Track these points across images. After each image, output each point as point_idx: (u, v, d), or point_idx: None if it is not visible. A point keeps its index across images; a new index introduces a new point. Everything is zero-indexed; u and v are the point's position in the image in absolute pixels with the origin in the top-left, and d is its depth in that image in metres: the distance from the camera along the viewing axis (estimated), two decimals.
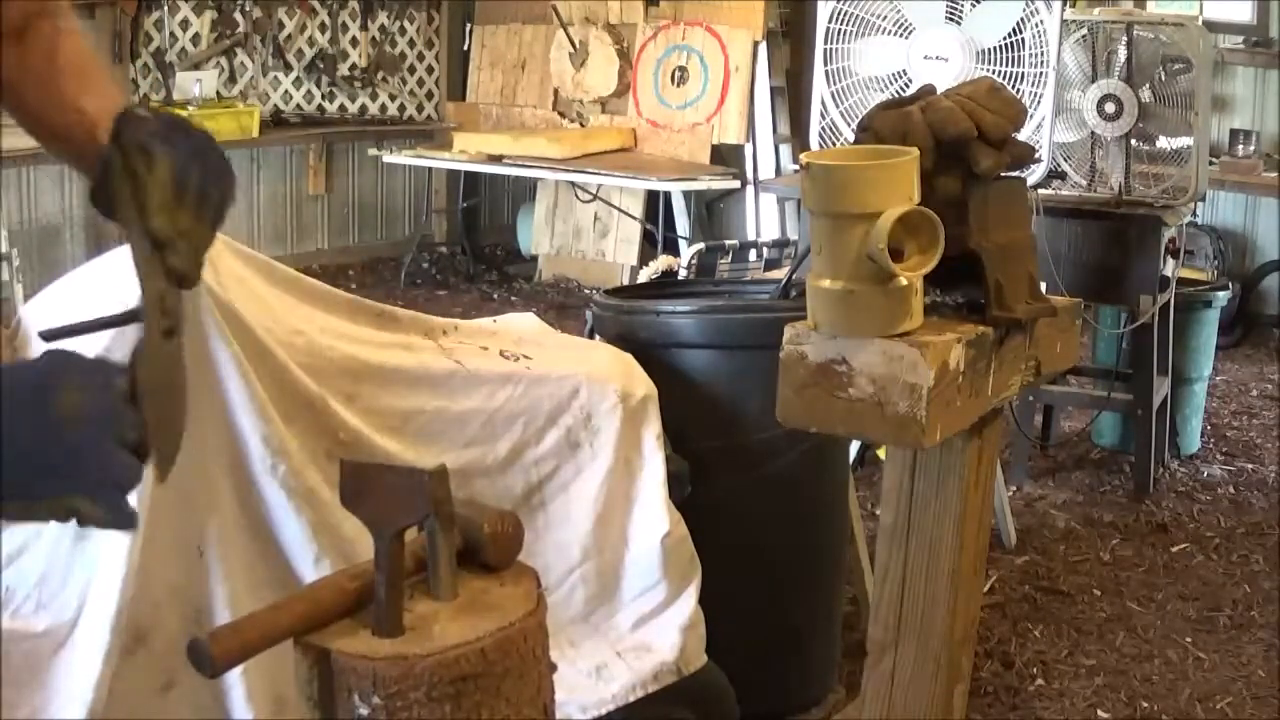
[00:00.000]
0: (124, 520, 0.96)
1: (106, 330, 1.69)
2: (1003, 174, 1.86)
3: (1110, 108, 3.82)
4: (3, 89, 1.29)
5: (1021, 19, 3.24)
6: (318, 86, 6.94)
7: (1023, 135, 2.12)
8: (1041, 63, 3.23)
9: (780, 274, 3.07)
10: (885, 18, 3.34)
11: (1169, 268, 3.84)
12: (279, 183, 6.88)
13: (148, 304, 1.06)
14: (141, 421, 0.98)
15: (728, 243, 3.73)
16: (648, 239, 6.57)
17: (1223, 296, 4.46)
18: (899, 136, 1.77)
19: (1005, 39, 3.25)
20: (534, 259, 6.99)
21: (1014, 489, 4.00)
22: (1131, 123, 3.82)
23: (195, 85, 6.20)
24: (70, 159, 1.30)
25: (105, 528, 0.96)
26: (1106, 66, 3.86)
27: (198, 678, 0.96)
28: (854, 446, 3.54)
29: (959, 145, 1.77)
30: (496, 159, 6.41)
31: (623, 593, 2.21)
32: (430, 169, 7.06)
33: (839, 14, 3.36)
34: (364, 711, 0.94)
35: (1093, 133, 3.88)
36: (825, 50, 3.38)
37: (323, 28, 6.93)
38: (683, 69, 6.57)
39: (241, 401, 1.78)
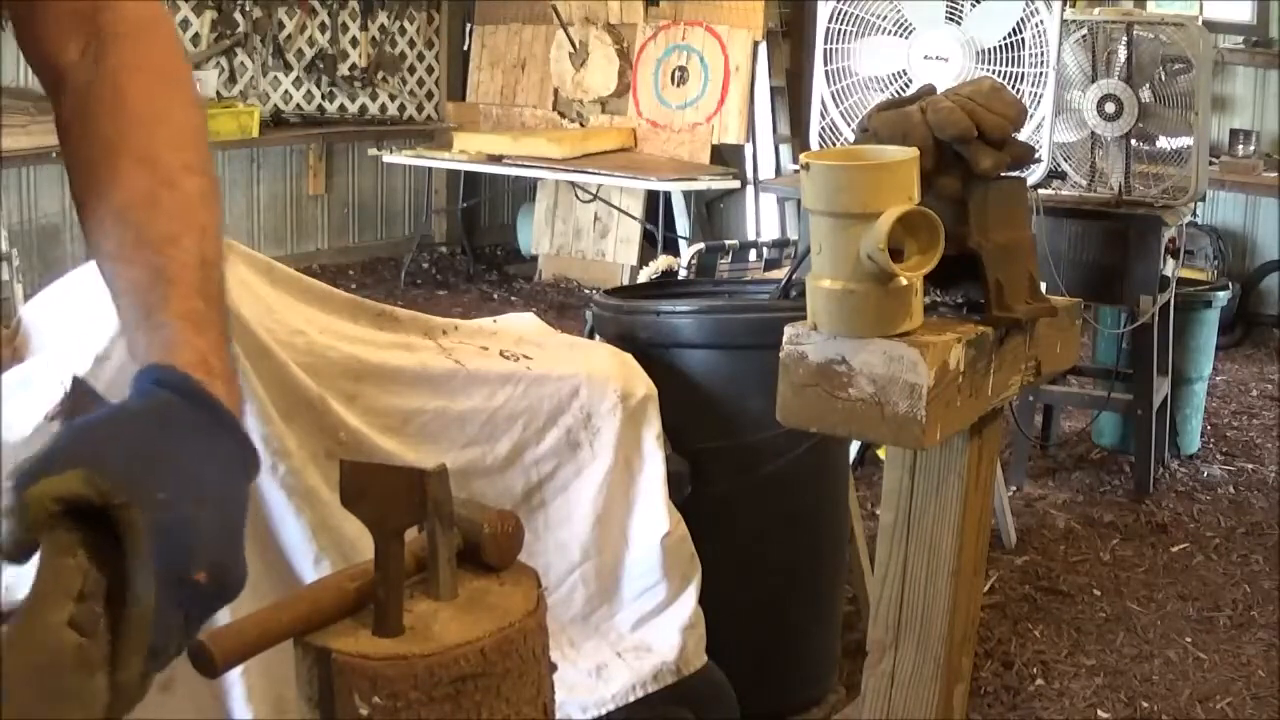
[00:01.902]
0: None
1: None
2: (1003, 174, 1.86)
3: (1110, 108, 3.82)
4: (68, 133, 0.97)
5: (1021, 19, 3.24)
6: (318, 86, 6.94)
7: (1023, 135, 2.12)
8: (1041, 63, 3.23)
9: (780, 274, 3.07)
10: (885, 18, 3.34)
11: (1169, 268, 3.84)
12: (279, 183, 6.89)
13: (42, 572, 0.74)
14: None
15: (728, 243, 3.72)
16: (648, 239, 6.58)
17: (1223, 296, 4.46)
18: (899, 136, 1.76)
19: (1005, 39, 3.25)
20: (534, 259, 6.99)
21: (1014, 489, 4.00)
22: (1131, 123, 3.82)
23: (195, 85, 6.20)
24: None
25: None
26: (1106, 66, 3.86)
27: (198, 677, 0.96)
28: (854, 446, 3.54)
29: (959, 145, 1.77)
30: (496, 159, 6.41)
31: (623, 593, 2.21)
32: (430, 169, 7.06)
33: (839, 14, 3.36)
34: (364, 711, 0.94)
35: (1093, 133, 3.88)
36: (825, 50, 3.38)
37: (323, 28, 6.93)
38: (683, 69, 6.57)
39: None
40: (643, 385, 2.24)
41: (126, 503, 0.74)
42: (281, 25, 6.75)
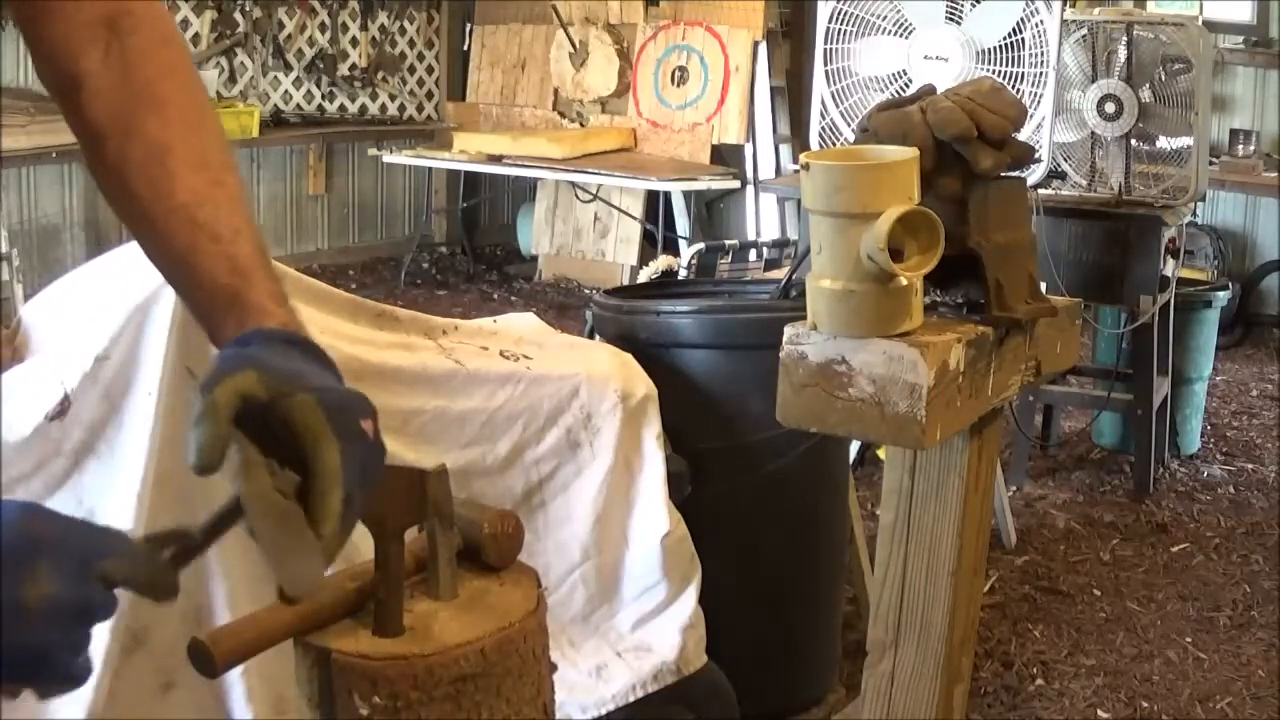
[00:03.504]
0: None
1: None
2: (1003, 174, 1.86)
3: (1110, 108, 3.82)
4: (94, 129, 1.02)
5: (1021, 19, 3.24)
6: (318, 86, 6.94)
7: (1023, 135, 2.12)
8: (1041, 63, 3.23)
9: (780, 274, 3.07)
10: (885, 18, 3.34)
11: (1169, 268, 3.84)
12: (279, 183, 6.89)
13: (238, 462, 0.88)
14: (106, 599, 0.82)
15: (728, 243, 3.72)
16: (648, 239, 6.58)
17: (1223, 296, 4.46)
18: (899, 136, 1.76)
19: (1005, 39, 3.25)
20: (534, 259, 6.99)
21: (1014, 489, 4.00)
22: (1131, 123, 3.82)
23: None
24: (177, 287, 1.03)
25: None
26: (1106, 66, 3.86)
27: (198, 678, 0.96)
28: (854, 446, 3.54)
29: (959, 145, 1.77)
30: (496, 159, 6.41)
31: (623, 593, 2.21)
32: (430, 169, 7.06)
33: (839, 14, 3.36)
34: (364, 711, 0.94)
35: (1093, 133, 3.88)
36: (825, 50, 3.37)
37: (323, 28, 6.93)
38: (683, 69, 6.57)
39: None
40: (643, 385, 2.24)
41: (294, 391, 0.87)
42: (281, 25, 6.75)
